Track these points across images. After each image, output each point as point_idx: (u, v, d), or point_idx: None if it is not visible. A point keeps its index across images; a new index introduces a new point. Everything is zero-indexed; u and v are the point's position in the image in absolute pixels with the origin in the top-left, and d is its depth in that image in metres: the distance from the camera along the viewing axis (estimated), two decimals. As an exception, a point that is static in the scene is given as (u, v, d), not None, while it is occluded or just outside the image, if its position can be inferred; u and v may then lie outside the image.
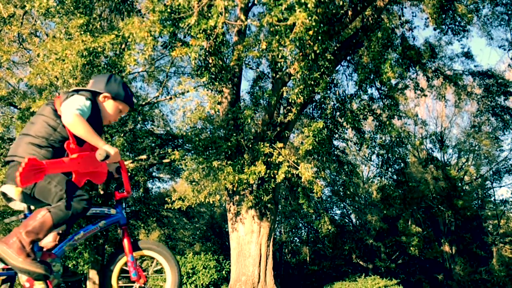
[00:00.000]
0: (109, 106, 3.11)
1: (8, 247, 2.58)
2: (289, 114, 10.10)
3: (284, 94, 10.00)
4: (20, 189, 2.74)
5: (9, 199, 2.85)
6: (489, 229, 29.45)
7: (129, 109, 3.27)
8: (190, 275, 13.64)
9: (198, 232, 30.61)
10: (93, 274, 17.75)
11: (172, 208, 10.60)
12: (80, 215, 2.81)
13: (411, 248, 24.88)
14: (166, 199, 11.21)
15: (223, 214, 27.00)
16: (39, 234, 2.64)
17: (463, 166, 28.44)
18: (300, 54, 8.22)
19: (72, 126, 2.73)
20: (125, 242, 3.05)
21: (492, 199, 30.23)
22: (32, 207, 2.86)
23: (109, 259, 3.15)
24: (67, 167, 2.75)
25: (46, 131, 2.81)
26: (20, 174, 2.41)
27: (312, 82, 8.66)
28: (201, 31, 7.15)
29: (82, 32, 8.00)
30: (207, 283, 13.50)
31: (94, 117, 2.95)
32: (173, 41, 8.05)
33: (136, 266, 3.08)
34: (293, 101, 9.22)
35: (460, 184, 26.92)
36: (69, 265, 17.91)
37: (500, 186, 29.98)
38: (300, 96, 8.82)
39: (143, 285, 3.12)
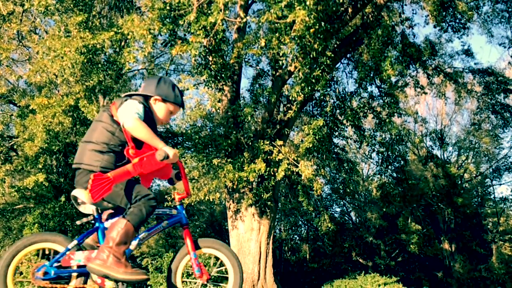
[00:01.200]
0: (160, 108, 3.21)
1: (103, 263, 2.75)
2: (289, 111, 10.08)
3: (286, 92, 9.98)
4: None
5: (78, 203, 3.02)
6: (488, 226, 29.48)
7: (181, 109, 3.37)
8: (190, 272, 13.63)
9: (198, 230, 30.61)
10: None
11: (171, 206, 10.59)
12: (151, 214, 2.97)
13: (411, 246, 24.90)
14: (166, 196, 11.21)
15: (223, 212, 27.01)
16: (127, 242, 2.85)
17: (463, 164, 28.44)
18: (301, 52, 8.20)
19: (133, 129, 2.87)
20: (187, 241, 3.17)
21: (492, 196, 30.24)
22: (99, 210, 3.07)
23: (173, 257, 3.27)
24: (132, 174, 2.89)
25: (106, 136, 2.97)
26: (90, 191, 2.66)
27: (313, 80, 8.65)
28: (200, 28, 7.13)
29: (81, 30, 7.99)
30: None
31: (148, 120, 3.05)
32: (172, 39, 8.04)
33: (199, 263, 3.19)
34: (293, 99, 9.21)
35: (460, 182, 26.93)
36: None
37: (500, 184, 30.07)
38: (300, 93, 8.80)
39: (205, 282, 3.24)
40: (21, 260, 2.92)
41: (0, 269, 2.82)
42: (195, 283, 3.35)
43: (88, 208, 3.01)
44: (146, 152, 2.98)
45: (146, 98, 3.15)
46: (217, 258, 3.33)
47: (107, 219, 3.12)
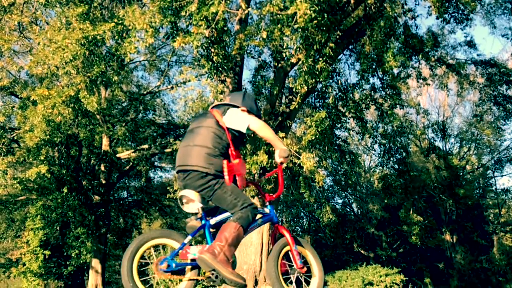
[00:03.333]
0: None
1: (214, 257, 3.00)
2: (293, 103, 10.04)
3: (290, 85, 9.94)
4: (199, 193, 3.21)
5: (183, 203, 3.31)
6: (490, 218, 29.51)
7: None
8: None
9: (200, 221, 30.70)
10: (95, 263, 17.87)
11: (174, 197, 10.61)
12: (255, 218, 3.32)
13: (412, 237, 24.95)
14: (168, 188, 11.23)
15: (224, 203, 27.06)
16: (236, 245, 3.17)
17: (465, 156, 28.41)
18: (305, 43, 8.15)
19: (261, 129, 3.29)
20: (287, 235, 3.44)
21: (494, 188, 30.25)
22: (204, 209, 3.34)
23: (273, 250, 3.46)
24: (243, 171, 3.33)
25: (215, 140, 3.27)
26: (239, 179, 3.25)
27: (317, 72, 8.61)
28: (202, 18, 7.09)
29: (82, 21, 7.95)
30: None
31: None
32: (174, 31, 8.00)
33: (299, 256, 3.44)
34: (297, 91, 9.15)
35: (461, 173, 26.93)
36: (72, 254, 18.03)
37: (502, 175, 30.02)
38: (304, 85, 8.76)
39: (302, 274, 3.46)
40: (143, 252, 3.15)
41: (127, 260, 3.05)
42: None
43: (191, 207, 3.27)
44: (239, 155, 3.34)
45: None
46: (301, 255, 3.50)
47: (207, 217, 3.37)
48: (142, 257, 3.18)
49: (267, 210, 3.53)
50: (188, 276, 3.19)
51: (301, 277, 3.48)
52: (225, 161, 3.24)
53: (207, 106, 10.48)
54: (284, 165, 3.21)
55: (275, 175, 3.71)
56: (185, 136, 3.46)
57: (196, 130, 3.36)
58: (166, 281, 3.24)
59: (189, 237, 3.24)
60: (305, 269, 3.44)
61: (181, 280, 3.20)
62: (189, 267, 3.21)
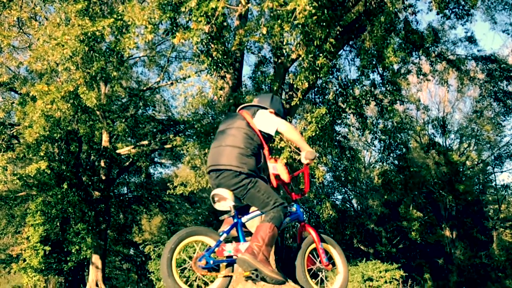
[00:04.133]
0: None
1: (254, 257, 3.10)
2: (294, 99, 10.01)
3: (291, 81, 9.91)
4: (232, 192, 3.31)
5: (215, 201, 3.40)
6: (489, 214, 29.55)
7: None
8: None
9: (200, 217, 30.75)
10: (96, 259, 17.90)
11: (174, 193, 10.63)
12: (285, 216, 3.43)
13: (412, 233, 25.00)
14: (168, 184, 11.24)
15: (224, 199, 27.07)
16: (272, 244, 3.25)
17: (465, 151, 28.41)
18: (305, 39, 8.12)
19: (288, 132, 3.40)
20: (312, 233, 3.58)
21: (493, 184, 30.28)
22: (236, 207, 3.43)
23: (297, 247, 3.61)
24: (281, 170, 3.45)
25: (248, 141, 3.36)
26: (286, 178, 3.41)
27: (317, 68, 8.58)
28: (202, 14, 7.06)
29: (81, 17, 7.91)
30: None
31: None
32: (174, 27, 7.96)
33: (325, 253, 3.58)
34: (298, 87, 9.12)
35: (461, 169, 26.94)
36: (72, 250, 18.05)
37: (502, 171, 30.05)
38: (305, 81, 8.73)
39: (329, 270, 3.61)
40: (182, 249, 3.22)
41: (166, 257, 3.12)
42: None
43: (223, 205, 3.37)
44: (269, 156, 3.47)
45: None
46: (326, 253, 3.63)
47: (241, 215, 3.48)
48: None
49: (294, 208, 3.64)
50: (223, 273, 3.29)
51: (322, 272, 3.61)
52: (270, 165, 3.43)
53: (207, 102, 10.46)
54: (312, 164, 3.31)
55: (301, 175, 3.76)
56: (216, 137, 3.55)
57: (227, 131, 3.46)
58: (203, 278, 3.34)
59: (224, 235, 3.32)
60: (330, 266, 3.58)
61: (215, 277, 3.31)
62: (224, 264, 3.30)
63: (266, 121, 3.44)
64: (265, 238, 3.19)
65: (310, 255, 3.60)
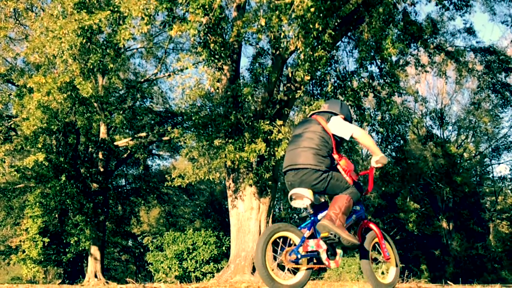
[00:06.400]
0: None
1: (332, 223, 3.44)
2: (298, 91, 9.96)
3: (290, 75, 9.86)
4: (311, 190, 3.59)
5: (292, 199, 3.69)
6: (486, 205, 29.69)
7: None
8: (191, 250, 13.81)
9: (198, 209, 30.82)
10: (94, 250, 17.95)
11: (172, 185, 10.63)
12: (359, 200, 3.76)
13: (409, 224, 25.11)
14: (166, 176, 11.23)
15: (222, 191, 27.14)
16: (347, 214, 3.58)
17: (463, 143, 28.47)
18: (303, 32, 8.07)
19: (362, 137, 3.66)
20: (375, 229, 3.89)
21: (491, 175, 30.40)
22: (313, 205, 3.70)
23: (362, 241, 3.87)
24: (352, 167, 3.75)
25: (324, 144, 3.64)
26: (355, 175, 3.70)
27: (316, 59, 8.54)
28: (199, 7, 7.03)
29: (78, 10, 7.86)
30: (207, 258, 13.67)
31: None
32: (171, 19, 7.91)
33: (386, 248, 3.89)
34: (300, 79, 9.06)
35: (459, 161, 27.01)
36: (71, 241, 18.09)
37: (499, 163, 30.14)
38: (307, 73, 8.69)
39: (388, 263, 3.94)
40: (272, 241, 3.52)
41: (260, 250, 3.40)
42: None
43: (299, 203, 3.64)
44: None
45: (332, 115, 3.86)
46: (374, 248, 3.94)
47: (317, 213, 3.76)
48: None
49: (357, 207, 3.89)
50: (304, 267, 3.60)
51: (381, 265, 3.99)
52: (342, 162, 3.70)
53: (205, 94, 10.43)
54: (379, 165, 3.75)
55: (366, 176, 4.08)
56: (292, 140, 3.82)
57: (303, 134, 3.73)
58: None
59: (307, 232, 3.64)
60: (390, 259, 3.89)
61: (298, 269, 3.62)
62: (305, 258, 3.59)
63: (341, 126, 3.70)
64: (342, 207, 3.52)
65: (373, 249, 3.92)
